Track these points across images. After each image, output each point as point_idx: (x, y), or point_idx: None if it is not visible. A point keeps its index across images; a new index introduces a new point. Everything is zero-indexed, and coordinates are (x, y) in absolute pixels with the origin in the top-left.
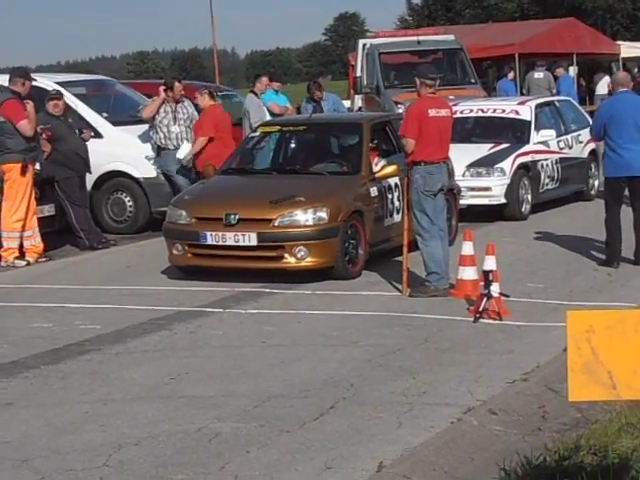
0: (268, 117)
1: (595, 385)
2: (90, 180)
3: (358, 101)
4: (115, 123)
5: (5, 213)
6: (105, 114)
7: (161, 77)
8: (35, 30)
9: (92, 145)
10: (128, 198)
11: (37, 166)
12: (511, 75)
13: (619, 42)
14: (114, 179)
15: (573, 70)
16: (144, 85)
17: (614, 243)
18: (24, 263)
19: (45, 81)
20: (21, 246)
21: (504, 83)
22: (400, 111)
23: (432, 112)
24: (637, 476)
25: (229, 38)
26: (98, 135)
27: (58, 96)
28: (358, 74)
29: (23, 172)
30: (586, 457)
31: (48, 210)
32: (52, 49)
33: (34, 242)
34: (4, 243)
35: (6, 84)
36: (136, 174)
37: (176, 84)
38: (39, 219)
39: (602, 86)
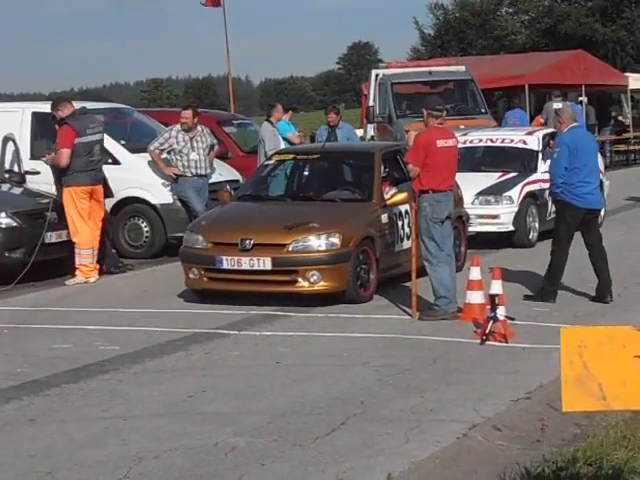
0: (282, 145)
1: (587, 396)
2: (107, 206)
3: (370, 130)
4: (132, 150)
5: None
6: (122, 142)
7: (175, 104)
8: (48, 56)
9: (110, 172)
10: (145, 224)
11: None
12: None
13: (627, 74)
14: (131, 205)
15: (583, 100)
16: (161, 113)
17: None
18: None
19: None
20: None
21: (517, 112)
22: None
23: (440, 142)
24: None
25: (243, 66)
26: (116, 162)
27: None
28: (371, 103)
29: None
30: (582, 468)
31: (66, 235)
32: (65, 76)
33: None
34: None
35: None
36: (153, 200)
37: (182, 112)
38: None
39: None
